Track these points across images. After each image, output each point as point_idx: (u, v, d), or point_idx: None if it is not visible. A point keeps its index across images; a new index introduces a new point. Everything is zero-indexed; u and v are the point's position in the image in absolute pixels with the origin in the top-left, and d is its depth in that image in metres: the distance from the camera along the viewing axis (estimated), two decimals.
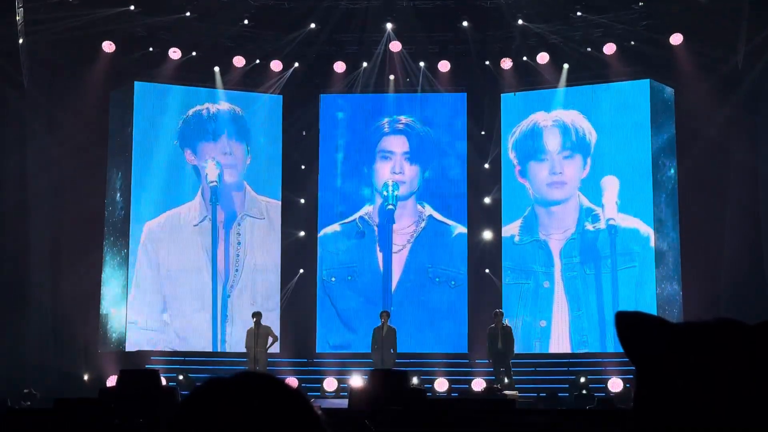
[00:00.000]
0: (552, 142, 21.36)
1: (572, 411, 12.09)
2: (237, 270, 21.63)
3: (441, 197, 22.20)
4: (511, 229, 21.51)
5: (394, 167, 22.15)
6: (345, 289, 22.10)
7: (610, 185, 20.92)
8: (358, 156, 22.42)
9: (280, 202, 22.07)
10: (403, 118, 22.38)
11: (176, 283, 21.15)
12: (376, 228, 22.15)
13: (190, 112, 21.67)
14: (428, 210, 22.10)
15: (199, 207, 21.48)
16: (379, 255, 22.04)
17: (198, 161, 21.56)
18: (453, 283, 21.81)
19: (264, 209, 21.97)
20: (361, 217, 22.18)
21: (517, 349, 19.10)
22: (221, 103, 21.89)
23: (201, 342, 21.18)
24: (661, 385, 1.28)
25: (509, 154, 21.63)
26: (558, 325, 20.87)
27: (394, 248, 22.05)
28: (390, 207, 22.02)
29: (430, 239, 22.08)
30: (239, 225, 21.74)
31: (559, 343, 20.78)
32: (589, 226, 20.87)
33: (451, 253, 21.97)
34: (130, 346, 20.47)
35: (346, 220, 22.21)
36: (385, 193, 22.07)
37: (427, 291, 21.88)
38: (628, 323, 1.35)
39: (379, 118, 22.46)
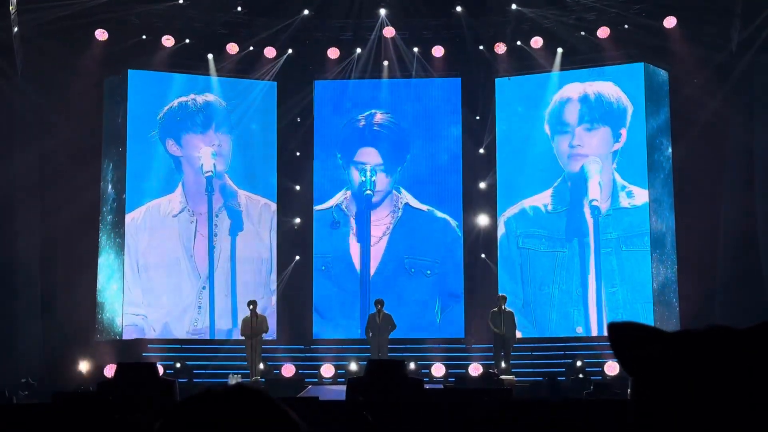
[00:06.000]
0: (571, 114, 21.24)
1: (568, 401, 12.12)
2: (229, 259, 21.60)
3: (421, 184, 22.12)
4: (542, 198, 21.38)
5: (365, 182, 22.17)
6: (320, 279, 22.11)
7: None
8: (351, 142, 22.37)
9: (260, 198, 21.98)
10: (379, 117, 22.25)
11: (170, 273, 21.14)
12: (352, 219, 22.13)
13: (175, 102, 21.58)
14: (405, 197, 22.06)
15: (180, 198, 21.41)
16: (356, 245, 22.03)
17: (182, 152, 21.47)
18: (428, 272, 21.84)
19: (245, 203, 21.87)
20: (337, 206, 22.18)
21: (555, 318, 19.12)
22: (207, 94, 21.79)
23: (198, 330, 21.19)
24: (658, 394, 1.29)
25: (544, 127, 21.49)
26: (591, 300, 20.72)
27: (372, 240, 22.05)
28: (368, 192, 22.01)
29: (408, 227, 22.05)
30: (227, 216, 21.69)
31: (596, 320, 20.61)
32: (625, 203, 20.76)
33: (431, 239, 21.96)
34: (127, 335, 20.49)
35: (320, 207, 22.18)
36: (363, 178, 22.05)
37: (405, 280, 21.87)
38: (621, 335, 1.35)
39: (357, 113, 22.31)
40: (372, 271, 21.95)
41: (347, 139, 22.31)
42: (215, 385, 1.57)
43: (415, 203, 22.05)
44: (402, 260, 21.92)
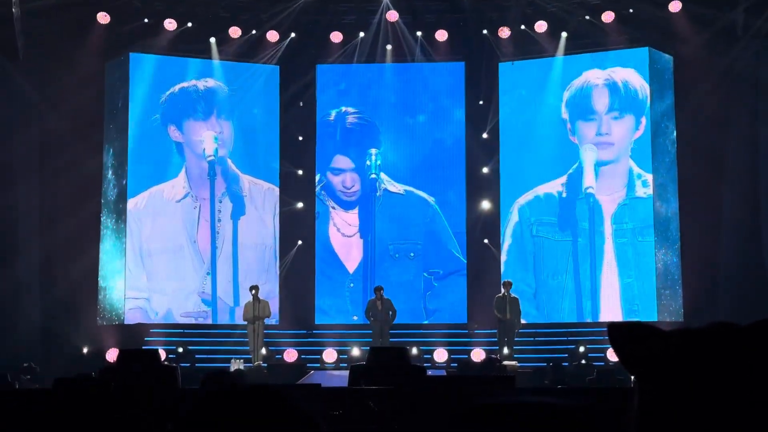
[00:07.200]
0: (600, 102, 21.07)
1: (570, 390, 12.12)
2: (232, 244, 21.58)
3: (416, 167, 22.12)
4: (556, 185, 21.24)
5: (345, 181, 22.14)
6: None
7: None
8: (325, 148, 22.31)
9: (263, 182, 21.97)
10: (350, 118, 22.22)
11: (174, 258, 21.12)
12: (332, 209, 22.12)
13: (176, 88, 21.50)
14: (384, 182, 22.06)
15: (184, 183, 21.38)
16: (336, 234, 22.05)
17: (184, 138, 21.42)
18: (412, 254, 21.89)
19: (249, 188, 21.85)
20: (316, 196, 22.19)
21: (569, 308, 19.12)
22: (208, 80, 21.72)
23: (200, 314, 21.20)
24: (661, 393, 1.29)
25: (562, 111, 21.38)
26: (607, 290, 20.67)
27: (350, 230, 22.07)
28: (373, 176, 22.01)
29: (388, 213, 22.06)
30: (230, 201, 21.67)
31: (610, 309, 20.53)
32: (640, 192, 20.66)
33: (411, 220, 21.97)
34: (129, 319, 20.49)
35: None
36: (368, 162, 22.04)
37: (389, 265, 21.89)
38: (622, 336, 1.34)
39: (354, 99, 22.33)
40: (357, 261, 21.98)
41: (322, 146, 22.29)
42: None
43: (392, 188, 22.04)
44: (386, 246, 21.93)
